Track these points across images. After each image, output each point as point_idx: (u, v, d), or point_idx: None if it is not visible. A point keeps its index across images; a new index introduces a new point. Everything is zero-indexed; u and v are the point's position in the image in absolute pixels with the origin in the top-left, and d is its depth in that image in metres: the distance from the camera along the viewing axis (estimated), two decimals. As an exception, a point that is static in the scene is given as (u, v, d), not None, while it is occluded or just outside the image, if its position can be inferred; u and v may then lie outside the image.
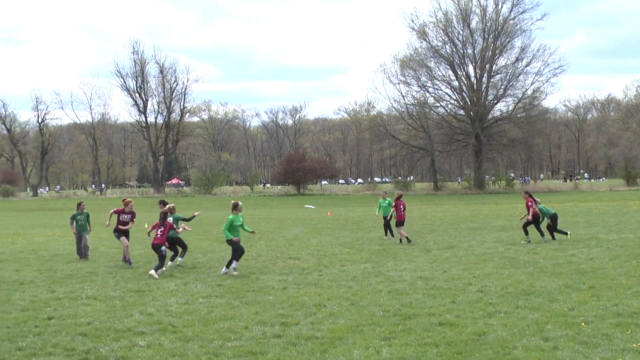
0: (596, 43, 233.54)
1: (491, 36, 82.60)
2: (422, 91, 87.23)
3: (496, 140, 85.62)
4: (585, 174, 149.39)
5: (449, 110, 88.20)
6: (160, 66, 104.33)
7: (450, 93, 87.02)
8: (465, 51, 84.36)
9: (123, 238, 19.02)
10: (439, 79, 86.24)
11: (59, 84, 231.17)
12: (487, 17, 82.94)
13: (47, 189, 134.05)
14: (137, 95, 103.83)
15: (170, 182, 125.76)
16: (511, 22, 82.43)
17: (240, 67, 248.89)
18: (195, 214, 20.39)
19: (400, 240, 22.88)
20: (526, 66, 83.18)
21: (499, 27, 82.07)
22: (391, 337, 9.94)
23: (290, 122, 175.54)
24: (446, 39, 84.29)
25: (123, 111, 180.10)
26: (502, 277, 15.03)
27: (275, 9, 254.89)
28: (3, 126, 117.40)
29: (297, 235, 27.57)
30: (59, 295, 14.03)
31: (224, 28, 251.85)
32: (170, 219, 17.84)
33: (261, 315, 11.61)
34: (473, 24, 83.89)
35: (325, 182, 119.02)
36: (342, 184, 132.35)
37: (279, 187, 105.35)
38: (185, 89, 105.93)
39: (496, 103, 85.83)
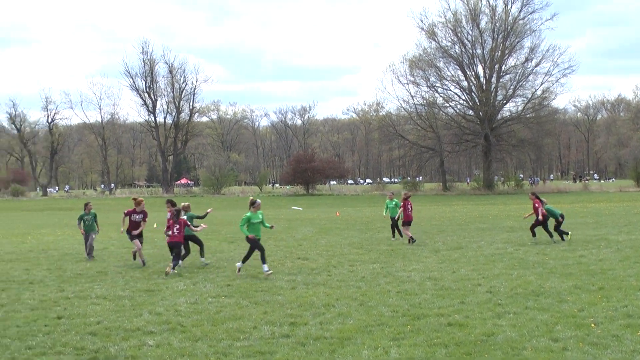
0: (606, 43, 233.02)
1: (500, 36, 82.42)
2: (431, 91, 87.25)
3: (505, 141, 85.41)
4: (595, 175, 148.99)
5: (458, 111, 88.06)
6: (170, 66, 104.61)
7: (460, 93, 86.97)
8: (474, 51, 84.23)
9: (136, 241, 18.86)
10: (448, 79, 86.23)
11: (69, 84, 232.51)
12: (496, 17, 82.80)
13: (56, 189, 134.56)
14: (146, 95, 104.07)
15: (179, 182, 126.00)
16: (521, 22, 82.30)
17: (250, 67, 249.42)
18: (208, 210, 20.53)
19: (409, 241, 22.85)
20: (536, 66, 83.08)
21: (509, 27, 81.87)
22: (400, 337, 9.93)
23: (299, 122, 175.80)
24: (455, 39, 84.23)
25: (132, 111, 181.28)
26: (511, 277, 15.00)
27: (284, 9, 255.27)
28: (13, 126, 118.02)
29: (306, 235, 27.58)
30: (69, 295, 14.08)
31: (233, 28, 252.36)
32: (184, 217, 17.93)
33: (270, 315, 11.62)
34: (482, 24, 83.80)
35: (334, 182, 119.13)
36: (351, 184, 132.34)
37: (287, 187, 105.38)
38: (195, 89, 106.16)
39: (505, 103, 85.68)
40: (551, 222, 22.70)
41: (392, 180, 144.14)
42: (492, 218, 35.69)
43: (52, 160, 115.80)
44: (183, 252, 18.18)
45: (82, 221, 20.84)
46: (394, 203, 25.03)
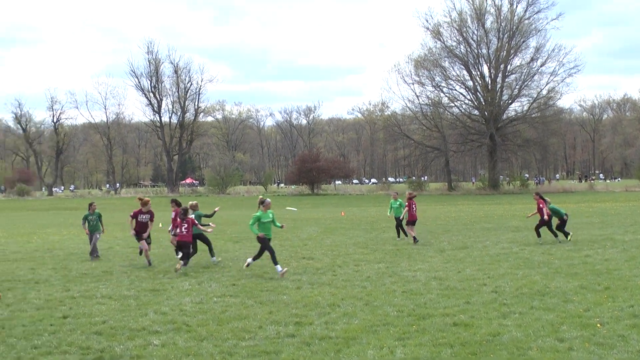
0: (612, 43, 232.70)
1: (506, 36, 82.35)
2: (436, 91, 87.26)
3: (511, 141, 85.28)
4: (601, 175, 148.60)
5: (463, 110, 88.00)
6: (175, 66, 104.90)
7: (465, 93, 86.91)
8: (479, 51, 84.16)
9: (143, 242, 18.80)
10: (454, 79, 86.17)
11: (74, 84, 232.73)
12: (501, 17, 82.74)
13: (62, 189, 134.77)
14: (151, 95, 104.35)
15: (184, 181, 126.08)
16: (526, 21, 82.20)
17: (255, 67, 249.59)
18: (216, 209, 20.64)
19: (414, 240, 22.81)
20: (541, 66, 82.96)
21: (514, 27, 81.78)
22: (405, 337, 9.92)
23: (304, 122, 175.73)
24: (460, 39, 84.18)
25: (137, 111, 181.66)
26: (516, 277, 14.97)
27: (289, 9, 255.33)
28: (19, 126, 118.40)
29: (311, 235, 27.58)
30: (74, 294, 14.10)
31: (238, 28, 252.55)
32: (192, 215, 17.95)
33: (275, 315, 11.62)
34: (488, 24, 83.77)
35: (339, 182, 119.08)
36: (356, 184, 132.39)
37: (292, 187, 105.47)
38: (200, 88, 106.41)
39: (511, 103, 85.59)
40: (554, 222, 22.64)
41: (398, 180, 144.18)
42: (498, 218, 35.65)
43: (57, 160, 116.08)
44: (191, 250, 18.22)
45: (86, 221, 20.87)
46: (398, 203, 24.98)
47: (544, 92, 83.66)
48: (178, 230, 17.41)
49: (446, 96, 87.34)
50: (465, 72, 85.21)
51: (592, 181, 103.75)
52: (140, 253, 19.26)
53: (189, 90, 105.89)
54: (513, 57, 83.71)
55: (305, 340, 9.85)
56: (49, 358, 9.28)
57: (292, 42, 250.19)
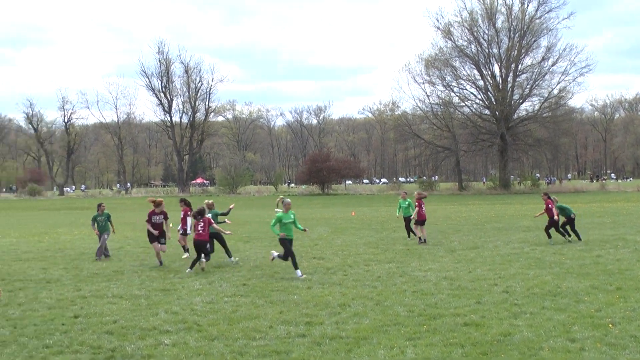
0: (623, 42, 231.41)
1: (517, 35, 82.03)
2: (447, 91, 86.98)
3: (522, 140, 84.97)
4: (612, 174, 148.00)
5: (474, 110, 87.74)
6: (185, 66, 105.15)
7: (476, 92, 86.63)
8: (490, 50, 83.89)
9: (155, 243, 18.75)
10: (464, 78, 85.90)
11: (85, 84, 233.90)
12: (512, 16, 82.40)
13: (73, 188, 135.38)
14: (162, 94, 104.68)
15: (194, 181, 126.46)
16: (537, 21, 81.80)
17: (265, 67, 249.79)
18: (231, 206, 20.60)
19: (425, 240, 22.78)
20: (552, 65, 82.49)
21: (525, 26, 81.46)
22: (416, 337, 9.90)
23: (314, 121, 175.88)
24: (471, 39, 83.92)
25: (148, 111, 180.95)
26: (527, 277, 14.92)
27: (300, 9, 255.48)
28: (30, 126, 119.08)
29: (322, 235, 27.57)
30: (85, 294, 14.15)
31: (248, 28, 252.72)
32: (209, 215, 18.00)
33: (286, 315, 11.62)
34: (498, 23, 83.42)
35: (350, 181, 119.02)
36: (367, 183, 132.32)
37: (303, 186, 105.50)
38: (210, 88, 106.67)
39: (522, 103, 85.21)
40: (561, 220, 22.51)
41: (408, 179, 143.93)
42: (509, 218, 35.54)
43: (68, 160, 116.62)
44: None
45: (95, 222, 20.93)
46: (407, 203, 24.94)
47: (555, 91, 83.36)
48: (195, 230, 17.44)
49: (457, 96, 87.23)
50: (476, 71, 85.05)
51: (604, 181, 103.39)
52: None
53: (200, 90, 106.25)
54: (524, 57, 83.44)
55: (316, 340, 9.85)
56: (60, 357, 9.32)
57: (302, 42, 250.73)
